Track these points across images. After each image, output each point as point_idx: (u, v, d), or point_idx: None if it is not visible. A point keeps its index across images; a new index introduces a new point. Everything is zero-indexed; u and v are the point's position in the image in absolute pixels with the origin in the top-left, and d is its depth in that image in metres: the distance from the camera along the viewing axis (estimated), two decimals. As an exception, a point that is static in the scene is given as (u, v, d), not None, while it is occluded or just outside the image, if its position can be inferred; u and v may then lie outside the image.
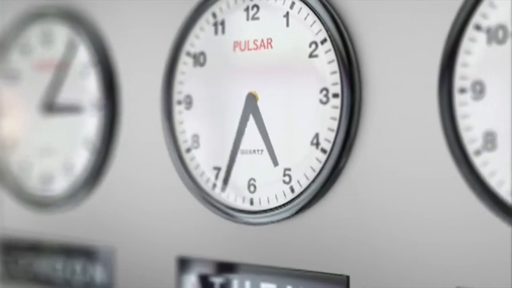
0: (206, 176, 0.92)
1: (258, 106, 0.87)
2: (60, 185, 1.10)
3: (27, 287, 1.14)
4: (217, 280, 0.91)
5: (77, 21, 1.08)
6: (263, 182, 0.87)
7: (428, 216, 0.75)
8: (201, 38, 0.92)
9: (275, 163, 0.85)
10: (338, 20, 0.81)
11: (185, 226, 0.95)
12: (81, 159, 1.07)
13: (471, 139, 0.72)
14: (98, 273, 1.05)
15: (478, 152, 0.72)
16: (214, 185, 0.91)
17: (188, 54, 0.94)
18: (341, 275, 0.81)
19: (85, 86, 1.06)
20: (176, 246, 0.96)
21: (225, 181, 0.90)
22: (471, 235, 0.73)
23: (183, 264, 0.95)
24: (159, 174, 0.98)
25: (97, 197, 1.06)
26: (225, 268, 0.91)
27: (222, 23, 0.91)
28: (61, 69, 1.09)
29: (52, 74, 1.10)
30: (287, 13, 0.85)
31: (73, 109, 1.08)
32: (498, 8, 0.71)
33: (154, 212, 0.99)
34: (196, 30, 0.93)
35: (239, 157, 0.89)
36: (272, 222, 0.86)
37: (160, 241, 0.98)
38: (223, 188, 0.90)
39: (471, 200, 0.72)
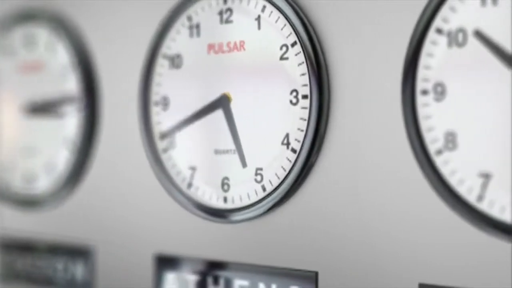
0: (182, 176, 0.94)
1: (230, 107, 0.89)
2: (43, 184, 1.12)
3: (10, 285, 1.16)
4: (192, 278, 0.94)
5: (58, 23, 1.10)
6: (236, 181, 0.89)
7: (392, 214, 0.78)
8: (177, 40, 0.95)
9: (244, 164, 0.87)
10: (308, 24, 0.83)
11: (163, 225, 0.98)
12: (63, 159, 1.09)
13: (433, 139, 0.74)
14: (79, 271, 1.07)
15: (439, 152, 0.74)
16: (190, 184, 0.93)
17: (164, 56, 0.96)
18: (310, 271, 0.83)
19: (66, 87, 1.09)
20: (154, 244, 0.98)
21: (200, 180, 0.92)
22: (432, 232, 0.75)
23: (161, 261, 0.97)
24: (137, 174, 1.00)
25: (79, 196, 1.08)
26: (200, 265, 0.93)
27: (197, 26, 0.93)
28: (42, 70, 1.11)
29: (34, 75, 1.12)
30: (259, 16, 0.87)
31: (54, 110, 1.10)
32: (458, 12, 0.73)
33: (133, 211, 1.01)
34: (172, 33, 0.95)
35: (214, 156, 0.91)
36: (245, 220, 0.88)
37: (138, 239, 1.00)
38: (198, 187, 0.92)
39: (432, 199, 0.75)
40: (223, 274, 0.91)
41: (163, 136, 0.96)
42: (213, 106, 0.90)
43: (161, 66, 0.96)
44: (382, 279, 0.78)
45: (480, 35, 0.71)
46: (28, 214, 1.14)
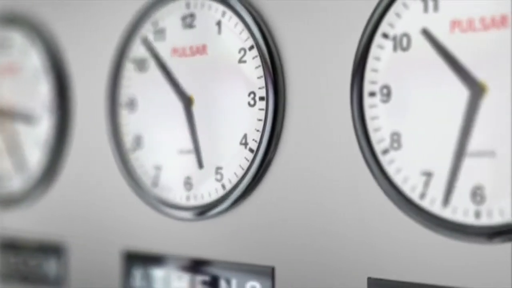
0: (148, 175, 0.98)
1: (191, 110, 0.92)
2: (16, 183, 1.15)
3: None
4: (158, 273, 0.97)
5: (32, 27, 1.13)
6: (198, 180, 0.92)
7: (341, 211, 0.81)
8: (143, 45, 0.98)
9: (200, 165, 0.91)
10: (264, 29, 0.86)
11: (131, 222, 1.01)
12: (35, 160, 1.12)
13: (379, 139, 0.78)
14: (51, 268, 1.10)
15: (385, 151, 0.77)
16: (155, 183, 0.97)
17: (131, 60, 0.99)
18: (266, 266, 0.86)
19: (38, 90, 1.12)
20: (122, 241, 1.02)
21: (165, 179, 0.96)
22: (380, 228, 0.78)
23: (128, 258, 1.00)
24: (106, 174, 1.03)
25: (52, 195, 1.11)
26: (165, 261, 0.96)
27: (162, 31, 0.96)
28: (17, 73, 1.15)
29: (9, 78, 1.16)
30: (219, 21, 0.90)
31: (26, 113, 1.13)
32: (403, 18, 0.76)
33: (103, 209, 1.04)
34: (138, 37, 0.98)
35: (178, 156, 0.94)
36: (207, 217, 0.91)
37: (108, 237, 1.03)
38: (163, 186, 0.96)
39: (379, 196, 0.78)
40: (186, 270, 0.94)
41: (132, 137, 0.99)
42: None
43: (128, 69, 1.00)
44: (334, 273, 0.81)
45: (427, 34, 0.74)
46: (1, 213, 1.18)
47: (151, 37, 0.97)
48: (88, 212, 1.06)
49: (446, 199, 0.73)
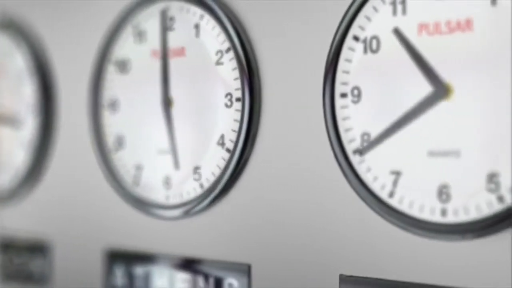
0: (130, 175, 1.00)
1: (170, 111, 0.94)
2: (1, 183, 1.17)
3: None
4: (139, 271, 0.99)
5: (16, 29, 1.15)
6: (177, 179, 0.94)
7: (314, 209, 0.83)
8: (124, 47, 1.00)
9: (176, 165, 0.93)
10: (241, 32, 0.88)
11: (113, 221, 1.03)
12: (20, 160, 1.14)
13: (351, 139, 0.80)
14: (36, 267, 1.12)
15: (356, 151, 0.79)
16: (137, 183, 0.99)
17: (113, 62, 1.01)
18: (243, 263, 0.88)
19: (22, 92, 1.14)
20: (104, 239, 1.04)
21: (147, 179, 0.98)
22: (351, 226, 0.80)
23: (110, 256, 1.02)
24: (89, 174, 1.06)
25: (37, 195, 1.13)
26: (146, 259, 0.98)
27: (143, 33, 0.98)
28: (1, 75, 1.17)
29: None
30: (197, 24, 0.92)
31: (11, 115, 1.15)
32: (373, 21, 0.78)
33: (86, 209, 1.07)
34: (120, 39, 1.00)
35: (158, 156, 0.96)
36: (186, 216, 0.93)
37: (90, 235, 1.06)
38: (146, 186, 0.98)
39: (351, 195, 0.80)
40: (166, 268, 0.96)
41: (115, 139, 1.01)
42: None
43: (110, 71, 1.02)
44: (308, 270, 0.83)
45: (397, 33, 0.76)
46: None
47: (131, 39, 0.99)
48: (72, 212, 1.08)
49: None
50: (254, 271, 0.88)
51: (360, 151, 0.78)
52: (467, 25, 0.72)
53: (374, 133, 0.78)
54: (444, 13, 0.74)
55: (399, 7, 0.77)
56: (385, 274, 0.78)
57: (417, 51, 0.75)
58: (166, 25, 0.94)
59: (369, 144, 0.77)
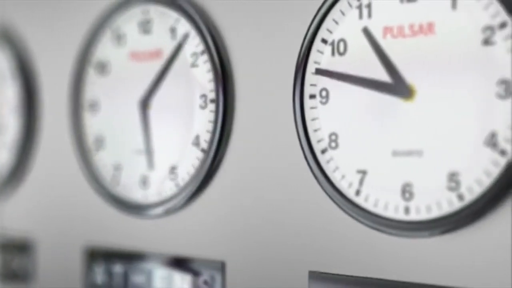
0: (110, 175, 1.02)
1: (147, 113, 0.97)
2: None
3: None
4: (118, 269, 1.01)
5: (1, 31, 1.18)
6: (154, 179, 0.96)
7: (284, 207, 0.85)
8: (104, 49, 1.02)
9: (151, 165, 0.95)
10: (215, 35, 0.91)
11: (93, 220, 1.05)
12: (3, 161, 1.16)
13: (319, 139, 0.82)
14: (19, 265, 1.15)
15: (324, 151, 0.81)
16: (117, 183, 1.01)
17: (93, 64, 1.04)
18: (218, 261, 0.90)
19: (5, 93, 1.16)
20: (84, 238, 1.06)
21: (126, 178, 1.00)
22: (320, 224, 0.82)
23: (90, 254, 1.05)
24: (70, 174, 1.08)
25: (19, 195, 1.16)
26: (124, 257, 1.01)
27: (122, 36, 1.01)
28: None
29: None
30: (174, 27, 0.95)
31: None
32: (340, 24, 0.80)
33: (67, 208, 1.09)
34: (100, 42, 1.03)
35: (136, 156, 0.99)
36: (162, 214, 0.96)
37: (71, 234, 1.08)
38: (125, 185, 1.00)
39: (319, 194, 0.82)
40: (144, 265, 0.98)
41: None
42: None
43: (91, 73, 1.04)
44: (279, 267, 0.86)
45: (366, 32, 0.78)
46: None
47: (111, 42, 1.02)
48: (54, 211, 1.11)
49: None
50: (228, 268, 0.90)
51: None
52: (429, 28, 0.75)
53: (341, 133, 0.80)
54: (407, 17, 0.76)
55: (365, 11, 0.79)
56: (353, 270, 0.80)
57: (383, 51, 0.77)
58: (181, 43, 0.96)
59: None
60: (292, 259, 0.85)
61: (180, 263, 0.94)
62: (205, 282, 0.91)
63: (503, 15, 0.70)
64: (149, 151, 0.96)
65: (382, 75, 0.77)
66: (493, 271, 0.70)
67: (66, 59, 1.08)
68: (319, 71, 0.81)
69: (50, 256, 1.11)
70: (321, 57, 0.82)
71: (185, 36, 0.93)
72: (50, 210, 1.11)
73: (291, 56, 0.84)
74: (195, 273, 0.93)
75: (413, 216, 0.75)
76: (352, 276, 0.80)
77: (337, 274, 0.81)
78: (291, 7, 0.85)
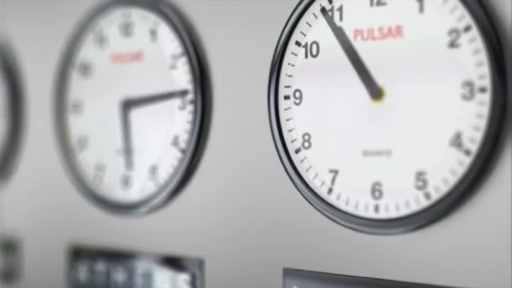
0: (94, 174, 1.04)
1: (128, 114, 0.99)
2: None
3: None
4: (100, 267, 1.03)
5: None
6: (135, 178, 0.99)
7: (259, 206, 0.87)
8: (87, 51, 1.05)
9: (130, 166, 0.97)
10: (194, 38, 0.93)
11: (76, 219, 1.08)
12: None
13: (293, 139, 0.84)
14: (4, 263, 1.17)
15: (298, 150, 0.83)
16: (100, 182, 1.03)
17: (76, 65, 1.06)
18: (197, 259, 0.92)
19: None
20: (68, 236, 1.08)
21: (108, 178, 1.02)
22: (293, 222, 0.84)
23: (74, 252, 1.07)
24: (54, 174, 1.10)
25: (5, 195, 1.18)
26: (106, 255, 1.03)
27: (104, 38, 1.03)
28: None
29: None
30: (154, 30, 0.97)
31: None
32: (313, 27, 0.82)
33: (51, 207, 1.11)
34: (83, 44, 1.05)
35: (117, 157, 1.01)
36: (143, 213, 0.98)
37: (56, 233, 1.10)
38: (107, 185, 1.02)
39: (293, 192, 0.84)
40: (127, 263, 1.00)
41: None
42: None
43: (74, 74, 1.06)
44: (255, 264, 0.88)
45: (341, 32, 0.80)
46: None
47: (93, 44, 1.04)
48: (39, 210, 1.13)
49: None
50: (207, 265, 0.92)
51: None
52: (398, 31, 0.76)
53: (314, 133, 0.82)
54: (377, 20, 0.78)
55: (337, 14, 0.81)
56: (326, 267, 0.82)
57: (355, 52, 0.79)
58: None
59: None
60: (267, 256, 0.87)
61: (161, 261, 0.96)
62: (185, 280, 0.93)
63: (468, 19, 0.72)
64: (128, 152, 0.98)
65: (353, 77, 0.79)
66: (461, 267, 0.72)
67: (51, 61, 1.10)
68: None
69: (35, 255, 1.13)
70: (295, 59, 0.84)
71: (165, 39, 0.95)
72: (35, 209, 1.13)
73: (266, 58, 0.86)
74: (176, 271, 0.95)
75: (383, 214, 0.77)
76: (325, 273, 0.81)
77: (311, 271, 0.83)
78: (267, 11, 0.87)
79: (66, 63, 1.07)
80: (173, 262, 0.95)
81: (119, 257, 1.01)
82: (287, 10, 0.84)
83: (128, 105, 0.99)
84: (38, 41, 1.14)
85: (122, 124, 0.99)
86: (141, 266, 0.99)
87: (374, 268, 0.78)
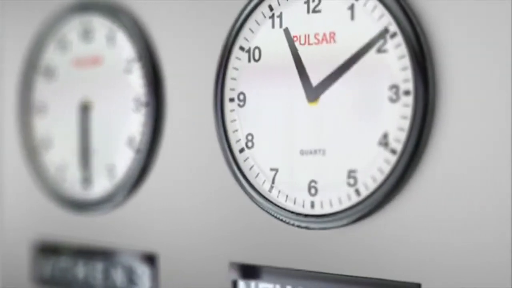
0: (57, 173, 1.09)
1: (87, 116, 1.04)
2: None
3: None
4: (63, 263, 1.08)
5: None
6: (94, 178, 1.04)
7: (205, 204, 0.92)
8: (51, 56, 1.10)
9: (86, 166, 1.02)
10: (149, 43, 0.97)
11: (41, 217, 1.13)
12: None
13: (237, 139, 0.88)
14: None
15: (242, 150, 0.88)
16: (63, 181, 1.08)
17: (40, 69, 1.11)
18: (152, 253, 0.97)
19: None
20: (32, 234, 1.14)
21: (70, 177, 1.07)
22: (237, 219, 0.89)
23: (39, 249, 1.12)
24: (19, 172, 1.15)
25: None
26: (68, 251, 1.08)
27: (67, 43, 1.08)
28: None
29: None
30: (111, 35, 1.01)
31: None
32: (256, 33, 0.87)
33: (16, 206, 1.16)
34: (46, 48, 1.10)
35: (77, 157, 1.06)
36: (101, 211, 1.03)
37: (19, 231, 1.16)
38: (70, 184, 1.07)
39: (237, 191, 0.88)
40: (87, 259, 1.05)
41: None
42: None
43: (38, 77, 1.11)
44: (203, 259, 0.92)
45: (287, 33, 0.84)
46: None
47: (56, 48, 1.09)
48: (3, 208, 1.18)
49: None
50: (161, 259, 0.97)
51: None
52: (331, 37, 0.81)
53: (256, 134, 0.86)
54: (313, 26, 0.82)
55: (277, 21, 0.85)
56: (268, 261, 0.86)
57: (297, 52, 0.83)
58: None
59: None
60: (215, 251, 0.91)
61: (117, 257, 1.01)
62: (141, 274, 0.98)
63: (393, 26, 0.76)
64: (85, 152, 1.03)
65: (292, 80, 0.83)
66: (390, 260, 0.77)
67: (16, 64, 1.15)
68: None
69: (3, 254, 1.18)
70: (239, 63, 0.88)
71: (122, 45, 1.00)
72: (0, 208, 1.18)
73: (214, 63, 0.91)
74: (131, 266, 0.99)
75: (318, 210, 0.81)
76: (267, 266, 0.86)
77: (254, 265, 0.87)
78: (214, 18, 0.91)
79: (31, 67, 1.12)
80: (130, 257, 0.99)
81: (81, 253, 1.06)
82: (231, 19, 0.89)
83: (87, 107, 1.04)
84: (2, 44, 1.18)
85: (81, 125, 1.04)
86: (100, 262, 1.03)
87: (311, 261, 0.83)
